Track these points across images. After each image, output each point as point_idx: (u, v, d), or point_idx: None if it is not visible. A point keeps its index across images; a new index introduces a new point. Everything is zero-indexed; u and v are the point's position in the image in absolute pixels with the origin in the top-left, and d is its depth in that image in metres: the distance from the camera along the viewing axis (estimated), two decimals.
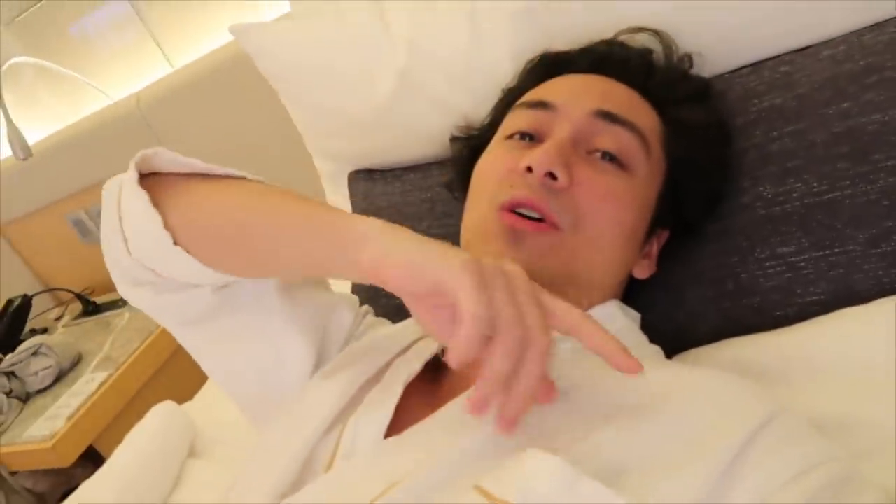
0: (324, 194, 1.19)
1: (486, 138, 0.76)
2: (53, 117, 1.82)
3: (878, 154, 0.67)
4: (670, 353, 0.73)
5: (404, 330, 0.72)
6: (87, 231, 1.89)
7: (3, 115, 1.52)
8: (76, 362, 1.64)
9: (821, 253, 0.69)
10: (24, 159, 1.54)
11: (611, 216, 0.64)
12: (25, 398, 1.57)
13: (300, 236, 0.55)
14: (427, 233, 0.93)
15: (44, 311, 2.02)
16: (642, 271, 0.72)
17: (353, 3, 1.03)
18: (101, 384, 1.49)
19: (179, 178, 0.65)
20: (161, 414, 1.02)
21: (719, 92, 0.78)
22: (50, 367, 1.57)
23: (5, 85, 1.55)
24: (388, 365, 0.65)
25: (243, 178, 0.65)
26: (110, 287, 1.84)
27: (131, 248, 0.63)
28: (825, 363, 0.64)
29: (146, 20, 1.59)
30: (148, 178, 0.64)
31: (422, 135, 0.96)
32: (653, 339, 0.68)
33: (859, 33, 0.72)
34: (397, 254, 0.48)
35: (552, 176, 0.61)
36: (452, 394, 0.58)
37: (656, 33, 0.78)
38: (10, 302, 1.86)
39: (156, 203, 0.61)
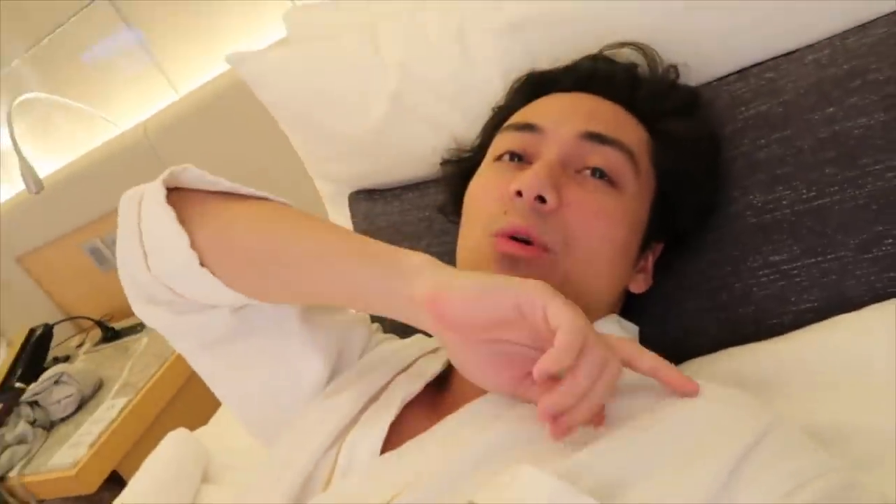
0: (327, 216, 1.20)
1: (476, 160, 0.76)
2: (64, 149, 1.86)
3: (865, 158, 0.67)
4: None
5: (409, 347, 0.73)
6: (104, 259, 1.93)
7: (15, 151, 1.56)
8: (97, 389, 1.67)
9: (812, 260, 0.69)
10: (37, 193, 1.58)
11: (602, 234, 0.64)
12: (49, 427, 1.59)
13: (345, 267, 0.56)
14: (426, 251, 0.94)
15: (66, 339, 2.07)
16: (638, 286, 0.72)
17: (347, 27, 1.04)
18: (122, 410, 1.51)
19: (206, 196, 0.65)
20: (175, 441, 1.03)
21: (707, 101, 0.77)
22: (71, 395, 1.60)
23: (18, 119, 1.59)
24: (390, 382, 0.66)
25: (266, 198, 0.66)
26: (128, 312, 1.88)
27: (151, 265, 0.62)
28: (822, 371, 0.64)
29: (150, 48, 1.62)
30: (171, 194, 0.63)
31: (417, 155, 0.97)
32: (652, 351, 0.68)
33: (843, 36, 0.72)
34: (461, 280, 0.49)
35: (541, 199, 0.61)
36: (453, 408, 0.58)
37: (639, 48, 0.78)
38: (32, 332, 1.89)
39: (181, 220, 0.61)
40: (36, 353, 1.86)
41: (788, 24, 0.75)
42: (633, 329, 0.71)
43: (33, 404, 1.60)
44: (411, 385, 0.63)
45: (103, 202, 1.75)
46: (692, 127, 0.73)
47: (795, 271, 0.69)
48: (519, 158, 0.69)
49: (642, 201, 0.68)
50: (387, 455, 0.56)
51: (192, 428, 1.12)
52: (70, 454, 1.43)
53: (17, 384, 1.71)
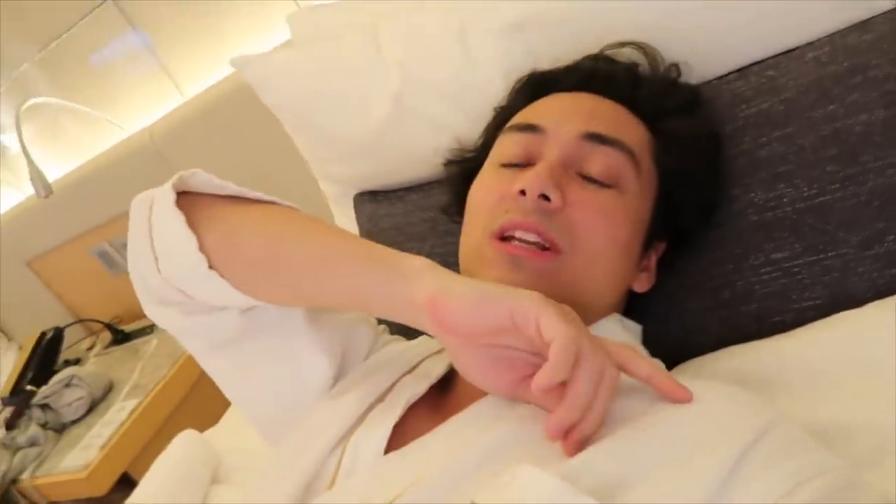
0: (332, 217, 1.21)
1: (479, 160, 0.77)
2: (72, 153, 1.87)
3: (866, 155, 0.67)
4: (672, 363, 0.73)
5: (415, 347, 0.74)
6: (112, 262, 1.93)
7: (24, 155, 1.57)
8: (108, 391, 1.68)
9: (814, 257, 0.69)
10: (46, 197, 1.59)
11: (605, 234, 0.64)
12: (61, 429, 1.61)
13: (349, 271, 0.57)
14: (430, 252, 0.96)
15: (76, 342, 2.09)
16: (641, 285, 0.72)
17: (349, 28, 1.05)
18: (132, 412, 1.52)
19: (215, 200, 0.66)
20: (184, 442, 1.04)
21: (708, 99, 0.77)
22: (82, 397, 1.61)
23: (26, 123, 1.60)
24: (395, 383, 0.67)
25: (274, 202, 0.67)
26: (138, 314, 1.90)
27: (161, 268, 0.63)
28: (824, 369, 0.64)
29: (156, 51, 1.63)
30: (180, 198, 0.64)
31: (419, 156, 0.97)
32: (655, 350, 0.68)
33: (843, 33, 0.72)
34: (460, 287, 0.50)
35: (545, 198, 0.62)
36: (457, 409, 0.59)
37: (640, 47, 0.78)
38: (42, 335, 1.92)
39: (190, 224, 0.62)
40: (47, 356, 1.88)
41: (788, 21, 0.75)
42: (635, 328, 0.71)
43: (45, 407, 1.62)
44: (416, 386, 0.64)
45: (111, 206, 1.77)
46: (693, 125, 0.73)
47: (797, 269, 0.69)
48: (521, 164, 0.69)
49: (644, 200, 0.68)
50: (390, 455, 0.57)
51: (202, 429, 1.13)
52: (81, 456, 1.45)
53: (29, 387, 1.73)
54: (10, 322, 2.33)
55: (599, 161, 0.65)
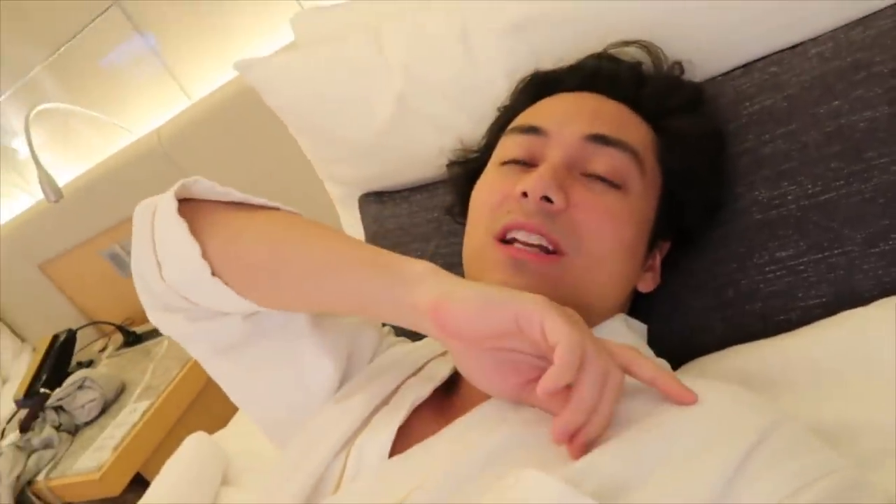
0: (338, 218, 1.21)
1: (482, 161, 0.77)
2: (82, 157, 1.89)
3: (871, 152, 0.66)
4: (677, 362, 0.73)
5: (420, 349, 0.74)
6: (123, 264, 1.95)
7: (33, 160, 1.59)
8: (120, 392, 1.69)
9: (819, 255, 0.68)
10: (56, 201, 1.61)
11: (610, 235, 0.64)
12: (74, 431, 1.63)
13: (351, 276, 0.57)
14: (435, 252, 0.96)
15: (89, 344, 2.10)
16: (646, 284, 0.72)
17: (351, 28, 1.05)
18: (144, 413, 1.54)
19: (217, 206, 0.66)
20: (194, 445, 1.05)
21: (711, 96, 0.77)
22: (95, 399, 1.62)
23: (36, 127, 1.62)
24: (400, 386, 0.67)
25: (277, 208, 0.67)
26: None
27: (165, 275, 0.63)
28: (829, 368, 0.64)
29: (162, 55, 1.64)
30: (183, 205, 0.64)
31: (423, 156, 0.98)
32: (660, 350, 0.68)
33: (847, 29, 0.71)
34: (463, 291, 0.50)
35: (548, 200, 0.61)
36: (461, 411, 0.59)
37: (643, 45, 0.77)
38: (56, 337, 1.93)
39: (193, 231, 0.62)
40: (60, 359, 1.89)
41: (791, 17, 0.75)
42: (640, 328, 0.71)
43: (58, 409, 1.63)
44: (421, 389, 0.64)
45: (121, 209, 1.78)
46: (697, 124, 0.73)
47: (802, 267, 0.69)
48: (524, 163, 0.69)
49: (648, 200, 0.68)
50: (395, 459, 0.57)
51: (213, 429, 1.14)
52: (94, 458, 1.46)
53: (43, 389, 1.74)
54: (23, 325, 2.36)
55: (603, 162, 0.65)
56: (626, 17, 0.80)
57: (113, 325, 1.97)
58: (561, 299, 0.61)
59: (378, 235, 1.04)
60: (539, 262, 0.61)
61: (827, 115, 0.69)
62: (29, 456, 1.57)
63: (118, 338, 1.99)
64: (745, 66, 0.78)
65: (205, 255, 0.61)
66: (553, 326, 0.46)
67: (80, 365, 1.94)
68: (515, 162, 0.69)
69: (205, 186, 0.66)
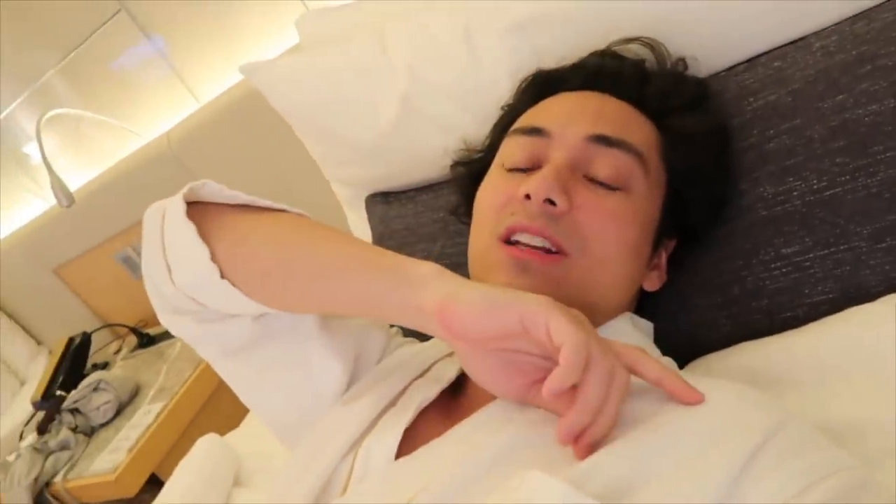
0: (346, 219, 1.22)
1: (486, 161, 0.77)
2: (93, 161, 1.90)
3: (877, 146, 0.65)
4: (683, 360, 0.73)
5: (427, 350, 0.74)
6: (136, 267, 1.97)
7: (45, 165, 1.60)
8: (134, 394, 1.71)
9: (826, 251, 0.67)
10: (68, 206, 1.62)
11: (614, 236, 0.63)
12: (90, 433, 1.65)
13: (358, 278, 0.57)
14: (441, 252, 0.96)
15: (104, 346, 2.12)
16: (652, 283, 0.71)
17: (355, 29, 1.05)
18: (158, 415, 1.55)
19: (225, 209, 0.67)
20: (207, 446, 1.05)
21: (715, 92, 0.77)
22: (110, 401, 1.65)
23: (48, 132, 1.63)
24: (407, 387, 0.67)
25: (283, 209, 0.67)
26: None
27: (174, 278, 0.64)
28: (835, 365, 0.63)
29: (170, 58, 1.65)
30: (191, 208, 0.65)
31: (428, 157, 0.98)
32: (665, 348, 0.68)
33: (851, 22, 0.71)
34: (468, 293, 0.50)
35: (551, 202, 0.61)
36: (467, 412, 0.59)
37: (646, 42, 0.77)
38: (71, 340, 1.96)
39: (202, 234, 0.63)
40: (76, 361, 1.92)
41: (795, 11, 0.74)
42: (647, 327, 0.70)
43: (74, 411, 1.66)
44: (427, 390, 0.64)
45: (133, 212, 1.77)
46: (701, 121, 0.72)
47: (808, 263, 0.68)
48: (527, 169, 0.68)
49: (653, 199, 0.67)
50: (401, 460, 0.57)
51: (225, 430, 1.15)
52: (110, 459, 1.48)
53: (59, 392, 1.77)
54: (39, 328, 2.38)
55: (606, 163, 0.65)
56: (628, 15, 0.80)
57: (127, 327, 1.99)
58: (565, 300, 0.61)
59: (384, 236, 1.05)
60: (542, 262, 0.61)
61: (832, 110, 0.68)
62: (46, 458, 1.60)
63: (132, 340, 2.01)
64: (748, 61, 0.78)
65: (214, 258, 0.62)
66: (558, 327, 0.46)
67: (96, 367, 1.96)
68: (519, 168, 0.68)
69: (213, 189, 0.66)
